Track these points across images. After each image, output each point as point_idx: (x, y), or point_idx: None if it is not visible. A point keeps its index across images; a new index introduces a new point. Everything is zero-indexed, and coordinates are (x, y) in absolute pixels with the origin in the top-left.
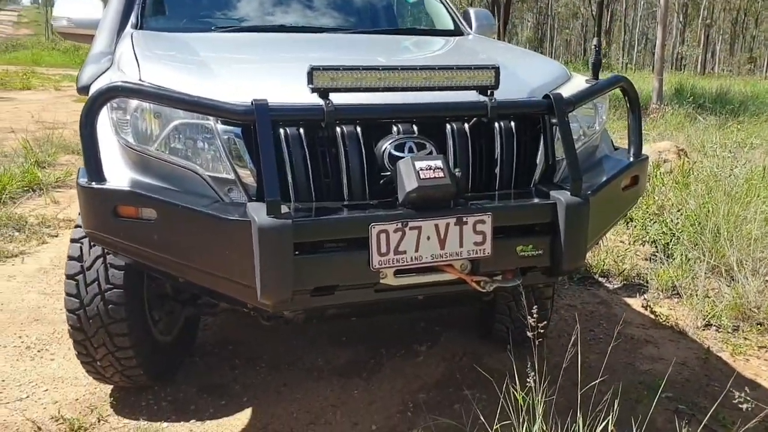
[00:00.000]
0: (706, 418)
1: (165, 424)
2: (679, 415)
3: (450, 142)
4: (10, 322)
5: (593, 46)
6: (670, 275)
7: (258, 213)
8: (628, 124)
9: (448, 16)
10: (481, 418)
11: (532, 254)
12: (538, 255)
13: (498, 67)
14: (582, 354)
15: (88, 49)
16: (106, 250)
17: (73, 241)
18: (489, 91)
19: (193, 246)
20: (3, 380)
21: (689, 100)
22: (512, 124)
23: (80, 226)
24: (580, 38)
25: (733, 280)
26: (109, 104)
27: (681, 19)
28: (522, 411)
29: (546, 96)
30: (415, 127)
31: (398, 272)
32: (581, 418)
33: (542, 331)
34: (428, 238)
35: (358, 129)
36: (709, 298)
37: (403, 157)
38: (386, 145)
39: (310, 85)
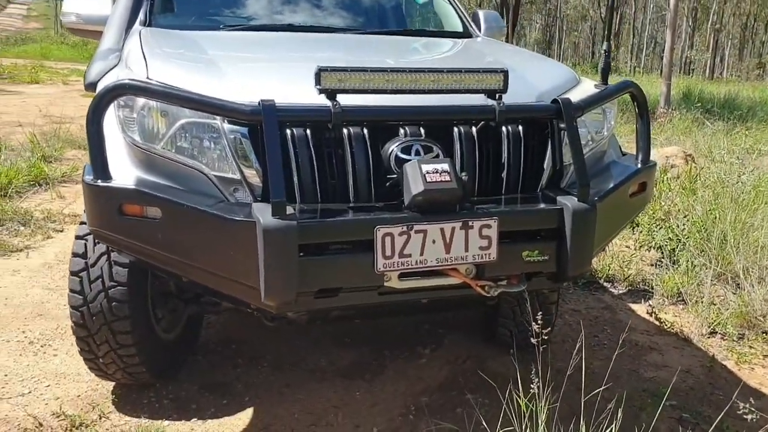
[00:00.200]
0: (711, 428)
1: (166, 423)
2: (683, 423)
3: (457, 146)
4: (14, 317)
5: (603, 51)
6: (675, 281)
7: (263, 214)
8: (636, 129)
9: (456, 18)
10: (483, 423)
11: (538, 260)
12: (544, 260)
13: (507, 71)
14: (586, 360)
15: (97, 44)
16: (110, 248)
17: (77, 237)
18: (497, 95)
19: (197, 246)
20: (5, 375)
21: (697, 105)
22: (520, 128)
23: (85, 223)
24: (588, 41)
25: (738, 287)
26: (116, 102)
27: (690, 24)
28: (525, 417)
29: (555, 101)
30: (422, 130)
31: (403, 275)
32: (584, 426)
33: (546, 337)
34: (433, 241)
35: (365, 131)
36: (715, 305)
37: (409, 160)
38: (393, 148)
39: (318, 86)
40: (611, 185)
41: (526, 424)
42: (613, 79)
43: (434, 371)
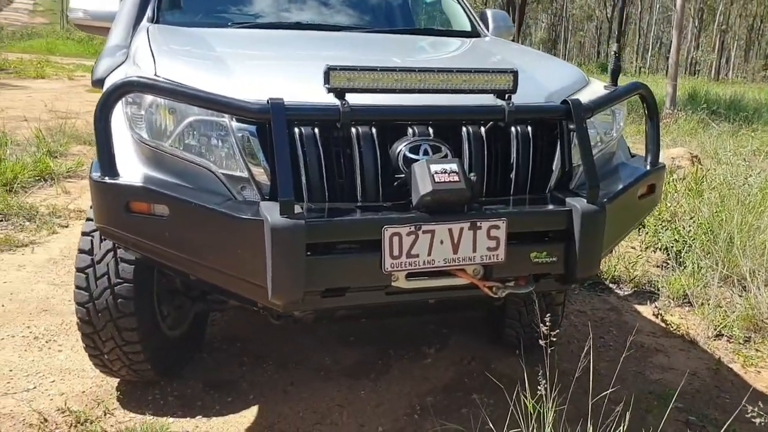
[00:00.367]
0: None
1: (171, 420)
2: (689, 426)
3: (466, 146)
4: (19, 312)
5: (613, 53)
6: (681, 283)
7: (271, 212)
8: (645, 131)
9: (465, 17)
10: (489, 424)
11: (546, 261)
12: (552, 262)
13: (516, 72)
14: (592, 361)
15: (103, 40)
16: (116, 244)
17: (84, 234)
18: (507, 95)
19: (204, 244)
20: (11, 370)
21: (703, 107)
22: (529, 128)
23: (91, 220)
24: (594, 40)
25: (745, 290)
26: (124, 99)
27: (696, 24)
28: (532, 419)
29: (564, 101)
30: (430, 130)
31: (410, 275)
32: (591, 429)
33: (554, 339)
34: (441, 242)
35: (373, 130)
36: (721, 307)
37: (418, 160)
38: (401, 147)
39: (327, 85)
40: (620, 187)
41: (533, 426)
42: (618, 80)
43: (439, 371)
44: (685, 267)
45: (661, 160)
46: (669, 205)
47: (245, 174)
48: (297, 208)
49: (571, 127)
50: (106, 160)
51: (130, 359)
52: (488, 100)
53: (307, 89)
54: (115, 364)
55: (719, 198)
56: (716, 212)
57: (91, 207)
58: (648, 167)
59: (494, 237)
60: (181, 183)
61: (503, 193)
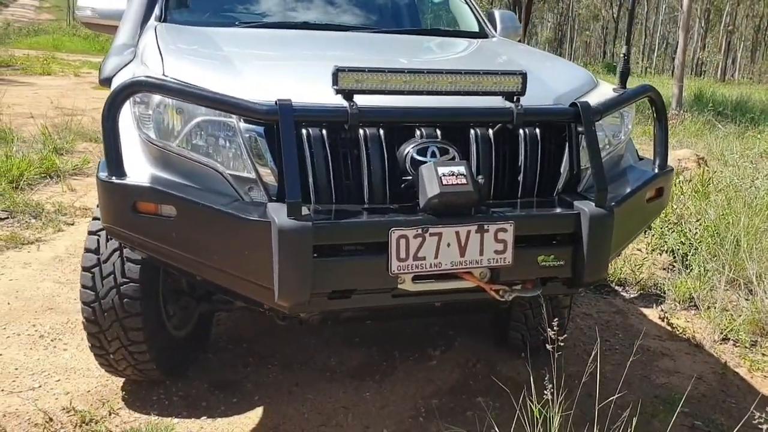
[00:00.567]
0: None
1: (176, 420)
2: (695, 431)
3: (473, 148)
4: (25, 310)
5: (622, 55)
6: (687, 286)
7: (278, 214)
8: (654, 134)
9: (472, 17)
10: (495, 427)
11: (554, 265)
12: (560, 266)
13: (525, 74)
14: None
15: (110, 37)
16: (123, 244)
17: (90, 233)
18: (515, 98)
19: (211, 245)
20: (16, 369)
21: (709, 108)
22: (537, 131)
23: (98, 219)
24: (600, 40)
25: (751, 294)
26: (131, 98)
27: (703, 25)
28: (538, 423)
29: (573, 104)
30: (438, 132)
31: (416, 278)
32: None
33: (562, 344)
34: (448, 245)
35: (381, 132)
36: (727, 311)
37: (425, 162)
38: (409, 149)
39: (335, 86)
40: (628, 190)
41: (540, 430)
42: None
43: (444, 374)
44: (691, 270)
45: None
46: (675, 207)
47: (252, 175)
48: (304, 210)
49: (580, 129)
50: (114, 160)
51: (135, 359)
52: (497, 102)
53: (314, 90)
54: (121, 363)
55: (726, 200)
56: (723, 215)
57: (97, 206)
58: (656, 170)
59: (501, 240)
60: (189, 183)
61: (511, 196)
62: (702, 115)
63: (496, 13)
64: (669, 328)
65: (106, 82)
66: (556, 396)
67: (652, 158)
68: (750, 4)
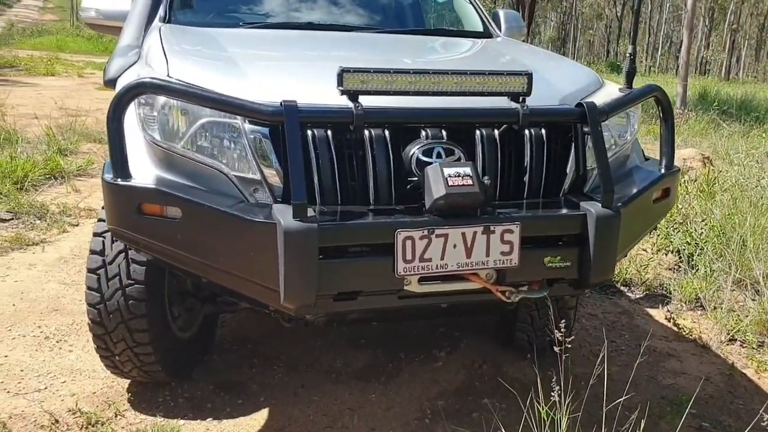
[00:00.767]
0: None
1: (182, 422)
2: None
3: (479, 149)
4: (30, 312)
5: (628, 54)
6: (693, 287)
7: (284, 215)
8: (660, 134)
9: (477, 17)
10: (502, 429)
11: (560, 266)
12: (566, 267)
13: (531, 74)
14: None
15: (113, 37)
16: (128, 246)
17: (95, 235)
18: (521, 98)
19: (217, 246)
20: (22, 370)
21: (714, 107)
22: (543, 131)
23: (103, 220)
24: (603, 39)
25: (758, 294)
26: (136, 100)
27: (707, 24)
28: (546, 425)
29: (579, 104)
30: (443, 132)
31: (422, 279)
32: None
33: (569, 345)
34: (454, 246)
35: (386, 132)
36: (734, 312)
37: (431, 163)
38: (414, 150)
39: (340, 87)
40: (635, 191)
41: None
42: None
43: (450, 375)
44: (697, 270)
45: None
46: (680, 207)
47: (258, 176)
48: (310, 211)
49: (586, 130)
50: (119, 162)
51: (141, 360)
52: (502, 102)
53: (319, 91)
54: (126, 365)
55: (732, 200)
56: (729, 215)
57: (103, 207)
58: (663, 171)
59: (508, 241)
60: (194, 185)
61: (516, 197)
62: (706, 114)
63: (501, 13)
64: (675, 328)
65: (110, 83)
66: (564, 398)
67: (657, 158)
68: (754, 2)
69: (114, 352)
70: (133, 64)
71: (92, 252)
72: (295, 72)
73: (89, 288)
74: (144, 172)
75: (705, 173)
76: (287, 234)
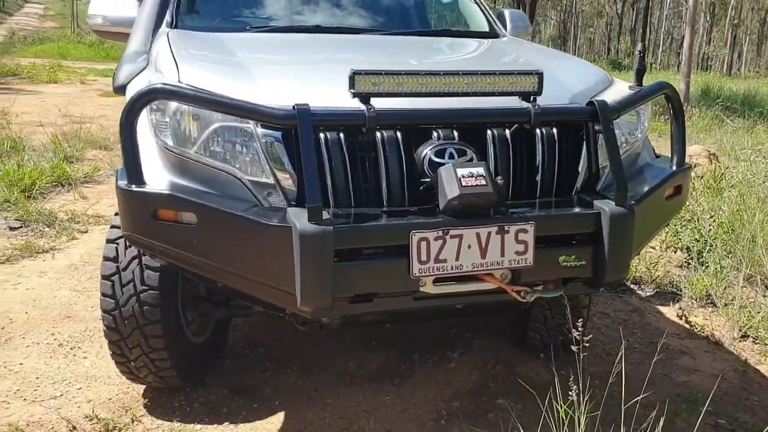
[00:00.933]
0: None
1: (198, 426)
2: (719, 429)
3: (490, 149)
4: (43, 319)
5: (637, 52)
6: (704, 284)
7: (299, 219)
8: (671, 131)
9: (483, 17)
10: (520, 428)
11: (575, 265)
12: (581, 265)
13: (542, 73)
14: (617, 364)
15: (115, 43)
16: (141, 251)
17: (108, 241)
18: (532, 97)
19: (232, 251)
20: (37, 378)
21: (718, 103)
22: (554, 130)
23: (116, 227)
24: (604, 37)
25: None
26: (148, 106)
27: (708, 19)
28: (565, 424)
29: (590, 102)
30: (455, 133)
31: (437, 280)
32: None
33: (587, 344)
34: (469, 246)
35: (398, 134)
36: (745, 308)
37: (443, 164)
38: (426, 151)
39: (352, 90)
40: (648, 188)
41: (566, 431)
42: (627, 76)
43: (464, 376)
44: (707, 267)
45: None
46: (688, 203)
47: (271, 180)
48: (324, 214)
49: (597, 128)
50: (133, 168)
51: (156, 366)
52: (513, 102)
53: (329, 94)
54: (142, 371)
55: (739, 196)
56: (737, 211)
57: (115, 214)
58: (674, 168)
59: (522, 241)
60: (207, 190)
61: (529, 197)
62: (710, 111)
63: (506, 13)
64: (687, 326)
65: (120, 89)
66: (582, 396)
67: (667, 155)
68: None
69: (129, 357)
70: (142, 70)
71: (106, 259)
72: (305, 76)
73: (104, 294)
74: (157, 177)
75: (712, 170)
76: (303, 237)
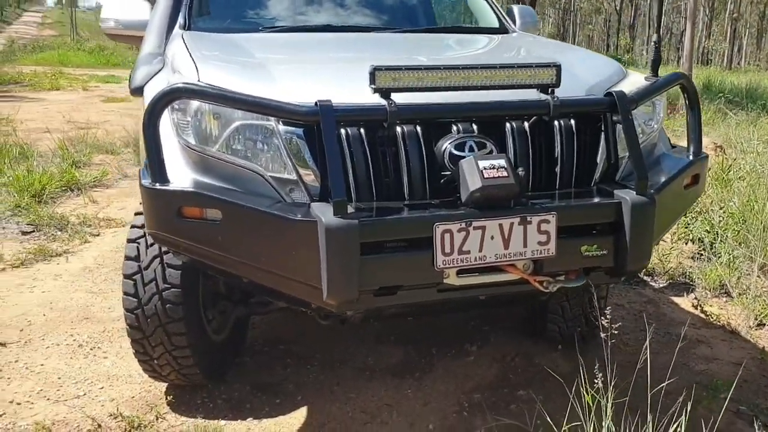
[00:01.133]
0: None
1: (223, 422)
2: (740, 416)
3: (510, 141)
4: (61, 321)
5: (653, 42)
6: (718, 274)
7: (324, 213)
8: (687, 121)
9: (492, 14)
10: (548, 418)
11: (597, 254)
12: (603, 255)
13: (560, 65)
14: (636, 354)
15: (114, 50)
16: (163, 250)
17: (129, 241)
18: (550, 89)
19: (258, 247)
20: (59, 378)
21: (720, 96)
22: (572, 122)
23: (137, 227)
24: (602, 34)
25: None
26: (169, 106)
27: (707, 13)
28: (591, 412)
29: (608, 93)
30: (474, 126)
31: (461, 272)
32: (652, 422)
33: (616, 331)
34: (492, 237)
35: (418, 128)
36: (761, 297)
37: (463, 157)
38: (446, 145)
39: (372, 85)
40: (668, 177)
41: (593, 418)
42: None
43: (483, 369)
44: (719, 257)
45: None
46: None
47: (293, 176)
48: (349, 208)
49: (615, 119)
50: (156, 167)
51: (179, 363)
52: (532, 94)
53: (347, 91)
54: (165, 368)
55: (749, 187)
56: (747, 201)
57: (136, 214)
58: (691, 157)
59: (545, 231)
60: (230, 187)
61: (548, 188)
62: (712, 104)
63: (515, 9)
64: (703, 315)
65: (137, 91)
66: (609, 382)
67: (682, 146)
68: None
69: (153, 356)
70: (158, 72)
71: (127, 258)
72: (321, 74)
73: (126, 293)
74: (180, 176)
75: (719, 162)
76: (329, 231)
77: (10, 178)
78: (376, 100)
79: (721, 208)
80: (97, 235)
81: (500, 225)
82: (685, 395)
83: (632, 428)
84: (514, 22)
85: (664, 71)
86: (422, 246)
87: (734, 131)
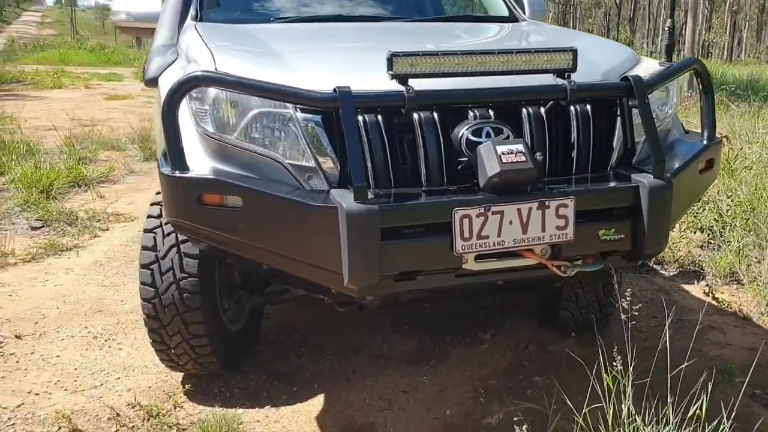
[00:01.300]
0: None
1: (241, 411)
2: (756, 399)
3: (526, 126)
4: (74, 313)
5: (667, 28)
6: (728, 261)
7: (345, 199)
8: (700, 107)
9: (502, 2)
10: (568, 401)
11: (614, 238)
12: (620, 239)
13: (576, 50)
14: (649, 340)
15: (114, 48)
16: (180, 239)
17: (146, 231)
18: (567, 74)
19: (278, 233)
20: (75, 369)
21: (722, 88)
22: (588, 107)
23: (153, 217)
24: (602, 27)
25: None
26: (188, 94)
27: (707, 6)
28: (612, 395)
29: (625, 78)
30: (491, 112)
31: (479, 257)
32: (671, 405)
33: (636, 313)
34: (510, 222)
35: (435, 115)
36: None
37: (481, 142)
38: (463, 131)
39: (390, 71)
40: (683, 161)
41: (613, 401)
42: None
43: (497, 356)
44: (729, 245)
45: None
46: None
47: (312, 163)
48: (369, 194)
49: (631, 103)
50: (176, 155)
51: (196, 353)
52: (548, 79)
53: (363, 78)
54: (182, 358)
55: (756, 177)
56: (755, 190)
57: (152, 204)
58: (705, 142)
59: (563, 216)
60: (249, 174)
61: (565, 173)
62: (715, 96)
63: None
64: (714, 302)
65: (152, 81)
66: (629, 363)
67: (695, 131)
68: None
69: (170, 345)
70: (172, 63)
71: (144, 248)
72: (336, 62)
73: (143, 283)
74: (200, 163)
75: (725, 152)
76: (350, 216)
77: (19, 175)
78: (393, 87)
79: (728, 197)
80: (107, 230)
81: (518, 210)
82: (705, 377)
83: (652, 410)
84: (524, 11)
85: None
86: (441, 231)
87: (738, 122)
